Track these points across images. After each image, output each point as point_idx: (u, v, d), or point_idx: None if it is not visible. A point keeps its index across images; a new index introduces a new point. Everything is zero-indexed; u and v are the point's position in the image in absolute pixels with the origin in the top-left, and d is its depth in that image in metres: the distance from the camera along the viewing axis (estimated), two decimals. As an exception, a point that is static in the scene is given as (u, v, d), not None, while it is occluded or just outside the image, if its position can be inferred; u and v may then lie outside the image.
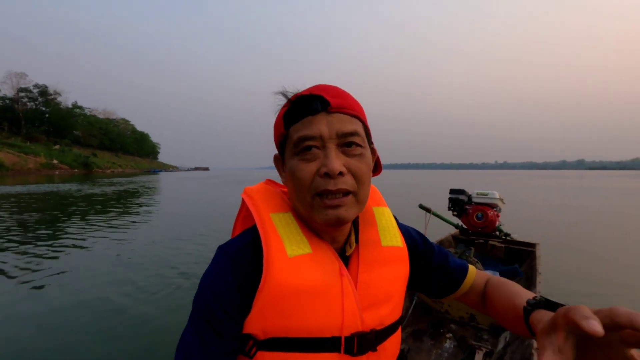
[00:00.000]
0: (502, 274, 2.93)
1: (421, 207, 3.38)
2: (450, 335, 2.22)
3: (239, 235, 0.60)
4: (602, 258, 4.88)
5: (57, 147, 68.23)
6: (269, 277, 0.52)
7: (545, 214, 9.75)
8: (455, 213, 3.62)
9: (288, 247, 0.54)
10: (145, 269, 4.12)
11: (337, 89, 0.55)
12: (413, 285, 0.71)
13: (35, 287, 3.49)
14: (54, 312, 2.93)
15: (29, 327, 2.68)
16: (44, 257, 4.60)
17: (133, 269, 4.14)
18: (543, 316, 0.42)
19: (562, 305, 0.42)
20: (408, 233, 0.70)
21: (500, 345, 1.96)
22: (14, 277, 3.81)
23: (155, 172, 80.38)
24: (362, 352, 0.55)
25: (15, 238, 5.75)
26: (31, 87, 74.78)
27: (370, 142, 0.59)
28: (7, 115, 67.95)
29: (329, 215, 0.52)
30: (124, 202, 12.03)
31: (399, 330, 0.64)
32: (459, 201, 3.56)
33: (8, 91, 72.28)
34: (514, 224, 6.52)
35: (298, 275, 0.53)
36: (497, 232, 3.53)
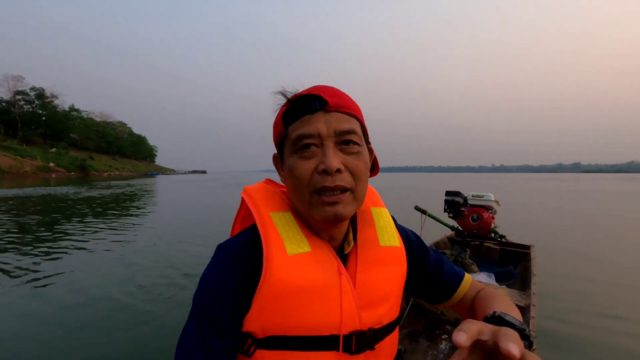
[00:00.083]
0: (497, 276, 2.97)
1: (417, 208, 3.42)
2: (446, 336, 2.25)
3: (238, 234, 0.61)
4: (597, 260, 4.91)
5: (54, 150, 67.88)
6: (269, 274, 0.52)
7: (542, 216, 9.81)
8: (451, 215, 3.65)
9: (288, 245, 0.55)
10: (146, 270, 4.14)
11: (334, 89, 0.56)
12: (407, 289, 0.71)
13: (37, 287, 3.52)
14: (57, 311, 2.95)
15: (32, 325, 2.70)
16: (44, 259, 4.60)
17: (134, 269, 4.16)
18: None
19: (511, 324, 0.42)
20: (405, 234, 0.70)
21: None
22: (16, 277, 3.84)
23: (152, 175, 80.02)
24: (360, 350, 0.56)
25: (15, 240, 5.74)
26: (28, 90, 74.43)
27: (368, 142, 0.60)
28: (4, 118, 67.61)
29: (327, 212, 0.53)
30: (122, 205, 11.98)
31: (397, 329, 0.64)
32: (454, 203, 3.59)
33: (4, 94, 71.99)
34: (511, 226, 6.56)
35: (297, 274, 0.53)
36: (493, 234, 3.57)
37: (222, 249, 0.57)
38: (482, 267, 3.17)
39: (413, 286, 0.71)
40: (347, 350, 0.55)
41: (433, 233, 3.88)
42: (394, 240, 0.65)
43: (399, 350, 0.67)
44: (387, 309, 0.60)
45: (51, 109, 77.10)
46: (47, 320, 2.78)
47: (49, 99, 77.36)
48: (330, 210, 0.53)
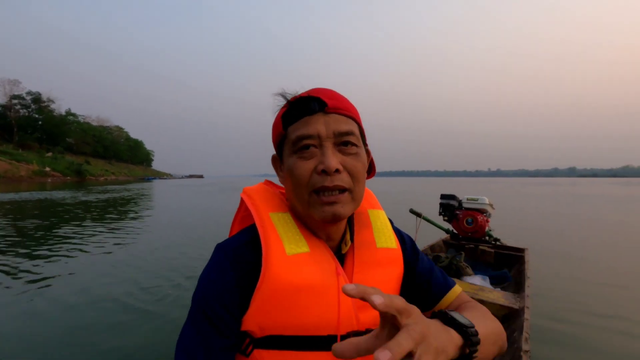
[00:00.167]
0: (491, 279, 3.00)
1: (412, 211, 3.45)
2: None
3: (237, 233, 0.62)
4: (592, 264, 4.96)
5: (50, 154, 67.52)
6: (268, 274, 0.53)
7: (537, 221, 9.88)
8: (446, 218, 3.69)
9: (287, 245, 0.55)
10: (145, 272, 4.20)
11: (333, 91, 0.57)
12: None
13: (40, 288, 3.59)
14: (58, 312, 3.01)
15: (35, 325, 2.75)
16: (45, 261, 4.65)
17: (133, 271, 4.22)
18: None
19: (454, 319, 0.44)
20: (401, 237, 0.71)
21: None
22: (18, 278, 3.90)
23: (148, 180, 79.65)
24: None
25: (15, 243, 5.80)
26: (24, 94, 74.21)
27: (365, 143, 0.61)
28: (-1, 122, 67.42)
29: (326, 212, 0.53)
30: (119, 209, 11.92)
31: None
32: (449, 206, 3.63)
33: (0, 98, 71.82)
34: (507, 231, 6.62)
35: (296, 273, 0.53)
36: (487, 237, 3.60)
37: (220, 248, 0.57)
38: (477, 270, 3.20)
39: (401, 289, 0.70)
40: None
41: (428, 236, 3.92)
42: (390, 242, 0.66)
43: None
44: None
45: (47, 114, 76.85)
46: (49, 321, 2.83)
47: (46, 103, 77.14)
48: (329, 210, 0.53)
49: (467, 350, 0.42)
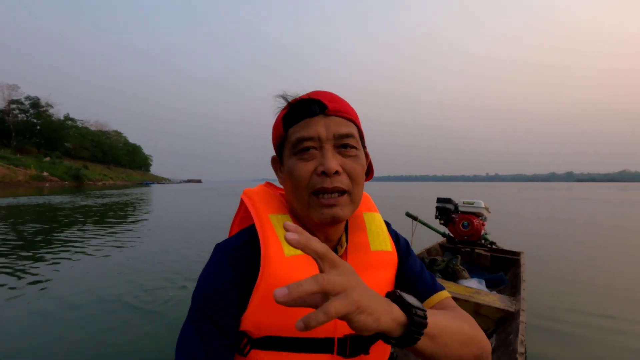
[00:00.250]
0: (487, 282, 3.03)
1: (408, 215, 3.48)
2: None
3: (236, 234, 0.62)
4: (588, 268, 4.99)
5: (48, 159, 67.36)
6: (266, 274, 0.53)
7: (534, 225, 9.92)
8: (442, 222, 3.71)
9: (285, 246, 0.55)
10: (146, 274, 4.27)
11: (333, 94, 0.58)
12: None
13: (42, 289, 3.67)
14: (60, 312, 3.08)
15: (39, 325, 2.82)
16: (46, 264, 4.74)
17: (133, 273, 4.30)
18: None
19: (402, 298, 0.45)
20: (396, 239, 0.71)
21: None
22: (22, 279, 4.01)
23: (147, 185, 79.37)
24: (354, 354, 0.56)
25: (17, 246, 5.88)
26: (23, 99, 74.10)
27: (364, 146, 0.62)
28: (-3, 127, 67.25)
29: (325, 214, 0.54)
30: (118, 214, 11.90)
31: None
32: (445, 210, 3.66)
33: (-1, 103, 71.69)
34: (503, 235, 6.65)
35: (294, 274, 0.53)
36: (483, 241, 3.63)
37: (220, 248, 0.57)
38: (473, 274, 3.23)
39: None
40: (342, 353, 0.55)
41: (425, 240, 3.95)
42: (385, 245, 0.66)
43: (391, 354, 0.70)
44: None
45: (46, 118, 76.67)
46: (52, 320, 2.91)
47: (44, 108, 76.97)
48: (328, 212, 0.54)
49: (410, 330, 0.42)
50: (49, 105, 78.17)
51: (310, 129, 0.54)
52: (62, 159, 73.10)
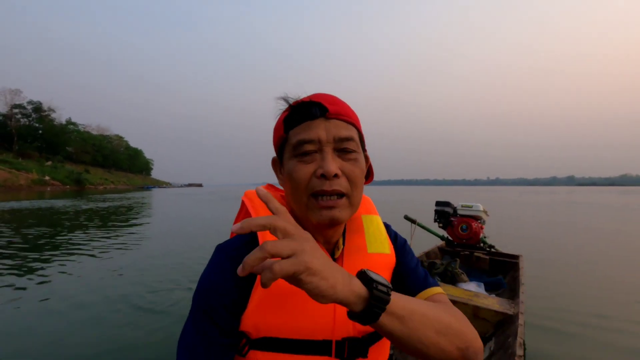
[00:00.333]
0: (486, 285, 3.04)
1: (406, 218, 3.50)
2: None
3: (237, 235, 0.62)
4: (587, 272, 5.01)
5: (50, 163, 67.51)
6: None
7: (534, 229, 9.92)
8: (440, 225, 3.73)
9: None
10: (148, 277, 4.35)
11: (334, 97, 0.58)
12: None
13: (50, 289, 3.81)
14: (69, 311, 3.21)
15: (47, 323, 2.93)
16: (52, 266, 4.86)
17: (136, 276, 4.39)
18: None
19: (367, 274, 0.45)
20: (395, 238, 0.71)
21: (485, 355, 2.01)
22: (30, 279, 4.15)
23: (148, 189, 79.45)
24: (352, 356, 0.56)
25: (23, 249, 6.01)
26: (25, 104, 74.50)
27: (364, 149, 0.62)
28: (0, 131, 67.49)
29: (323, 216, 0.54)
30: (120, 218, 11.94)
31: None
32: (444, 213, 3.67)
33: (1, 107, 71.99)
34: (504, 239, 6.67)
35: None
36: (482, 244, 3.64)
37: (221, 249, 0.58)
38: (472, 277, 3.24)
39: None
40: (340, 356, 0.55)
41: (423, 243, 3.96)
42: (382, 247, 0.66)
43: (390, 356, 0.73)
44: None
45: (48, 123, 77.00)
46: (59, 318, 3.03)
47: (46, 113, 77.37)
48: (327, 214, 0.54)
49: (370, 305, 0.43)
50: (51, 109, 78.61)
51: (311, 131, 0.54)
52: (63, 163, 73.27)
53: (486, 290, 2.94)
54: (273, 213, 0.42)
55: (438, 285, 0.65)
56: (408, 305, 0.47)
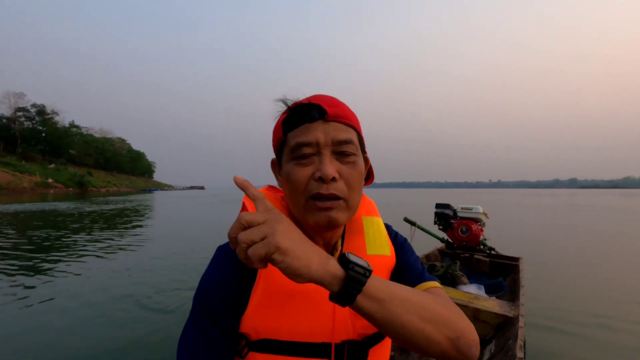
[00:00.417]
0: (487, 288, 3.04)
1: (406, 220, 3.50)
2: None
3: None
4: (588, 274, 4.99)
5: (53, 166, 67.89)
6: (263, 275, 0.54)
7: (535, 232, 9.89)
8: (440, 227, 3.73)
9: None
10: (150, 278, 4.42)
11: (334, 99, 0.58)
12: None
13: (57, 288, 3.94)
14: (77, 308, 3.34)
15: (55, 320, 3.04)
16: (57, 266, 4.98)
17: (139, 277, 4.48)
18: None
19: (345, 256, 0.45)
20: (395, 237, 0.71)
21: (486, 357, 2.00)
22: (38, 279, 4.29)
23: (150, 191, 79.63)
24: (352, 359, 0.56)
25: (29, 250, 6.14)
26: (29, 107, 75.10)
27: (364, 151, 0.62)
28: (3, 134, 67.89)
29: (321, 218, 0.54)
30: (123, 220, 12.00)
31: (389, 339, 0.63)
32: (444, 215, 3.67)
33: (5, 111, 72.57)
34: (504, 241, 6.66)
35: None
36: (482, 246, 3.64)
37: (221, 250, 0.59)
38: (472, 279, 3.25)
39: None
40: (339, 359, 0.55)
41: (423, 245, 3.97)
42: (382, 249, 0.65)
43: (392, 357, 0.73)
44: None
45: (51, 126, 77.52)
46: (67, 315, 3.15)
47: (50, 116, 77.91)
48: (325, 215, 0.54)
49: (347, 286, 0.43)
50: (54, 112, 79.19)
51: (310, 134, 0.54)
52: (66, 166, 73.65)
53: (486, 292, 2.94)
54: (251, 199, 0.45)
55: (435, 279, 0.64)
56: (389, 289, 0.46)
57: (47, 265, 4.98)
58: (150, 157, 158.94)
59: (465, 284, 3.00)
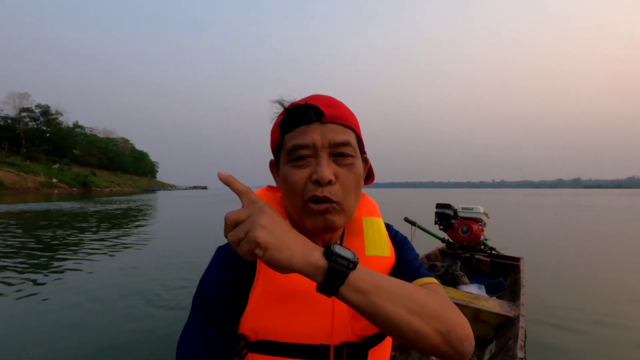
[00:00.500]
0: (487, 288, 3.06)
1: (406, 220, 3.51)
2: None
3: None
4: (588, 274, 4.99)
5: (57, 166, 68.20)
6: (262, 276, 0.54)
7: (536, 232, 9.86)
8: (441, 227, 3.73)
9: None
10: (152, 278, 4.45)
11: (332, 99, 0.57)
12: None
13: (66, 286, 4.05)
14: (84, 305, 3.42)
15: (66, 316, 3.13)
16: (64, 265, 5.09)
17: (141, 277, 4.52)
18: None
19: (330, 247, 0.45)
20: (395, 236, 0.70)
21: (486, 357, 2.02)
22: (47, 276, 4.42)
23: (153, 191, 79.87)
24: None
25: (36, 249, 6.26)
26: (33, 107, 75.36)
27: (363, 152, 0.61)
28: (8, 134, 68.23)
29: (318, 221, 0.54)
30: (127, 220, 12.08)
31: (389, 340, 0.63)
32: (445, 215, 3.68)
33: (10, 111, 72.63)
34: (506, 241, 6.66)
35: (290, 278, 0.53)
36: (482, 246, 3.65)
37: (221, 251, 0.59)
38: (473, 279, 3.26)
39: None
40: None
41: (424, 245, 3.98)
42: (381, 250, 0.64)
43: (392, 357, 0.74)
44: None
45: (55, 126, 77.69)
46: (80, 311, 3.25)
47: (54, 116, 78.07)
48: (321, 219, 0.53)
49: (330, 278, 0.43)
50: (58, 113, 79.32)
51: (306, 136, 0.53)
52: (70, 166, 73.94)
53: (487, 292, 2.95)
54: (236, 194, 0.47)
55: (433, 275, 0.63)
56: (374, 281, 0.46)
57: (55, 263, 5.13)
58: (153, 157, 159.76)
59: (465, 284, 3.01)
